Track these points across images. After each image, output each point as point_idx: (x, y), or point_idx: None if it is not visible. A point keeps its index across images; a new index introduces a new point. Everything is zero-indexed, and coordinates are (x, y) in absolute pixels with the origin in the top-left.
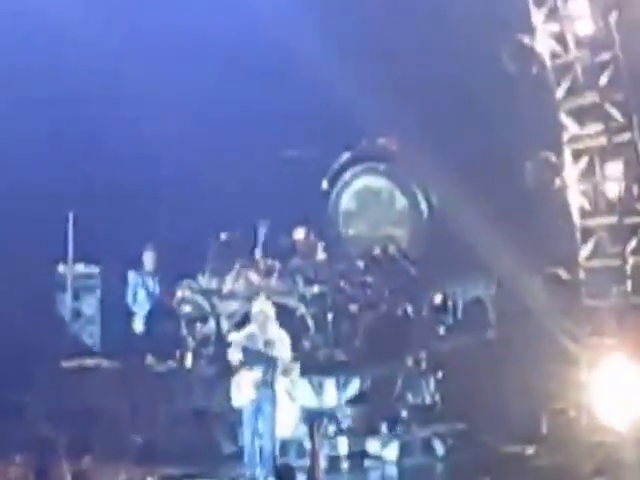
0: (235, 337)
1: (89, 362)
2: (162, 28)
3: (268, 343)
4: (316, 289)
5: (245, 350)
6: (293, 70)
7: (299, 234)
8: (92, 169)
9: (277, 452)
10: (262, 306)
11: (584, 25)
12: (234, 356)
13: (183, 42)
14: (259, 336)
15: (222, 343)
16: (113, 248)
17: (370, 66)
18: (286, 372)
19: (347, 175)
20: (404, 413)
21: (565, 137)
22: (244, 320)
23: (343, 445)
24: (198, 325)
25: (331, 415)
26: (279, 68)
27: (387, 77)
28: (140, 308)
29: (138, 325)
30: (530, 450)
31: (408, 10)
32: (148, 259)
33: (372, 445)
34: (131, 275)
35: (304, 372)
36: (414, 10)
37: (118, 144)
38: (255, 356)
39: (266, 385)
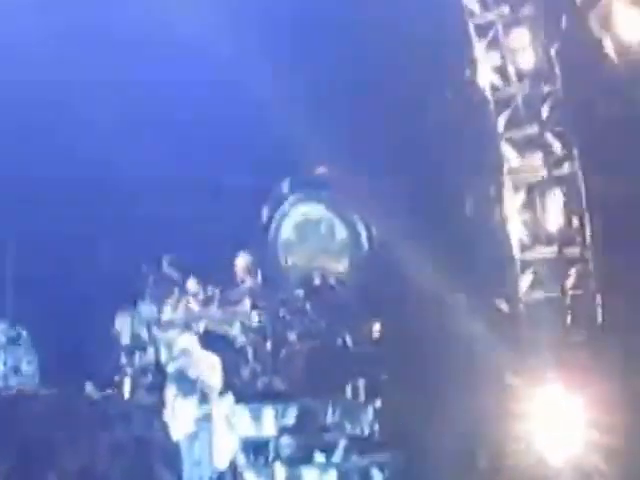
0: (169, 368)
1: (27, 389)
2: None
3: (201, 374)
4: (255, 318)
5: (179, 381)
6: (232, 99)
7: (240, 262)
8: (29, 190)
9: None
10: (186, 342)
11: (525, 57)
12: (170, 387)
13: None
14: (191, 368)
15: (161, 372)
16: None
17: (312, 98)
18: (220, 401)
19: (287, 205)
20: (342, 442)
21: (505, 168)
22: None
23: (281, 474)
24: (137, 354)
25: (269, 444)
26: (219, 99)
27: (328, 109)
28: None
29: None
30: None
31: (350, 44)
32: None
33: (310, 474)
34: None
35: (243, 401)
36: (357, 44)
37: (55, 167)
38: (190, 387)
39: (202, 415)
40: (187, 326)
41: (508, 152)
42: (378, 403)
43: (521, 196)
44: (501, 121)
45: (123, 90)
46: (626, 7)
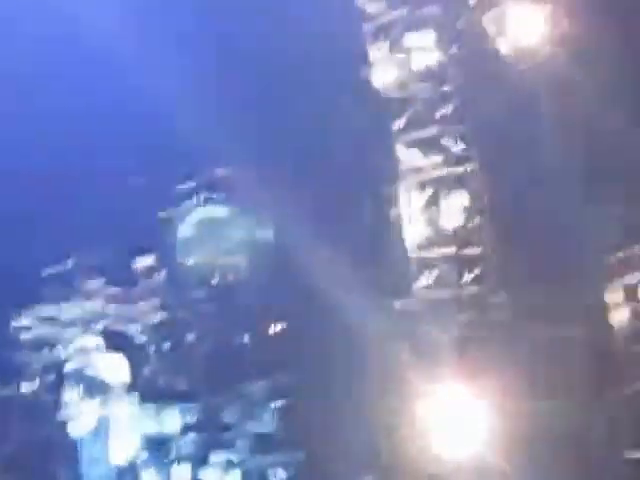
0: (70, 367)
1: None
2: None
3: (101, 373)
4: (156, 317)
5: (80, 380)
6: (138, 97)
7: (140, 262)
8: None
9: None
10: (87, 340)
11: (424, 58)
12: (70, 386)
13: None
14: (92, 367)
15: (62, 371)
16: None
17: (212, 100)
18: (121, 400)
19: (188, 204)
20: (244, 441)
21: (405, 169)
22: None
23: (182, 472)
24: (38, 353)
25: (171, 442)
26: (121, 98)
27: (227, 110)
28: None
29: None
30: (368, 478)
31: (247, 47)
32: None
33: (211, 473)
34: None
35: (144, 399)
36: (254, 46)
37: None
38: (90, 385)
39: (102, 413)
40: (88, 325)
41: (407, 152)
42: (279, 402)
43: (420, 196)
44: (400, 122)
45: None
46: (519, 9)
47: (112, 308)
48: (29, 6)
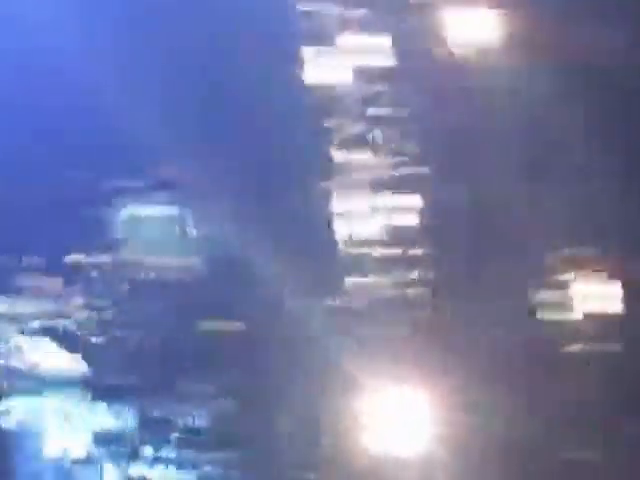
0: (3, 364)
1: None
2: None
3: (33, 368)
4: (87, 314)
5: (11, 376)
6: (77, 89)
7: (72, 258)
8: None
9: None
10: (17, 336)
11: (360, 56)
12: (4, 382)
13: None
14: (24, 362)
15: None
16: None
17: (153, 93)
18: (56, 395)
19: (121, 202)
20: (173, 436)
21: (342, 168)
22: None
23: (112, 468)
24: None
25: (102, 438)
26: (65, 88)
27: (166, 105)
28: None
29: None
30: (310, 476)
31: (186, 44)
32: None
33: (141, 469)
34: None
35: (76, 395)
36: (193, 43)
37: None
38: (21, 381)
39: (35, 408)
40: (19, 320)
41: (339, 152)
42: (218, 400)
43: (355, 195)
44: (332, 119)
45: None
46: (460, 7)
47: (46, 305)
48: None
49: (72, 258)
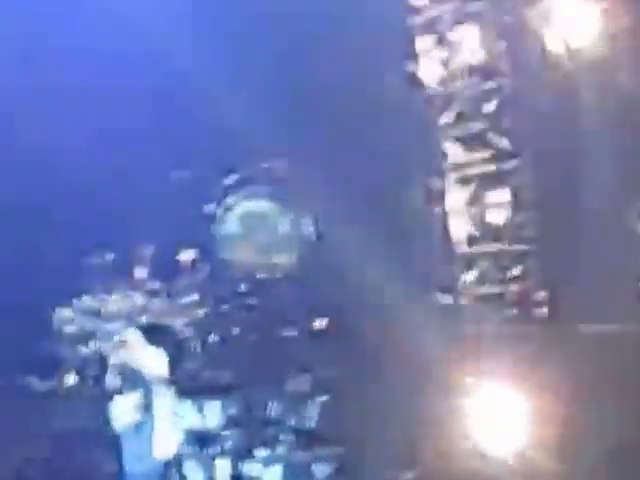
0: (112, 360)
1: None
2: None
3: (144, 366)
4: (200, 311)
5: (122, 374)
6: (182, 90)
7: (184, 256)
8: None
9: (158, 474)
10: (129, 334)
11: (472, 53)
12: (112, 379)
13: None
14: (134, 361)
15: (104, 365)
16: None
17: (263, 92)
18: (163, 394)
19: (232, 198)
20: (286, 436)
21: (449, 164)
22: (123, 344)
23: (224, 467)
24: (79, 346)
25: (213, 437)
26: (167, 88)
27: (277, 102)
28: None
29: None
30: (409, 475)
31: (291, 35)
32: None
33: (253, 468)
34: None
35: (186, 393)
36: (298, 36)
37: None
38: (132, 380)
39: (145, 407)
40: (131, 318)
41: (452, 147)
42: (322, 398)
43: (464, 191)
44: (445, 116)
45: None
46: (567, 4)
47: (155, 302)
48: None
49: (183, 256)
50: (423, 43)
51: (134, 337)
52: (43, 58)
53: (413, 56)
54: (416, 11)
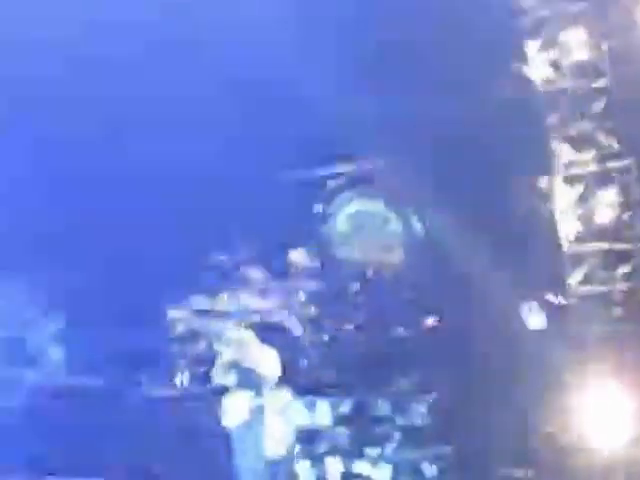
0: (224, 359)
1: (79, 381)
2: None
3: (255, 365)
4: (311, 310)
5: (234, 372)
6: (290, 95)
7: (295, 255)
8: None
9: (269, 471)
10: (241, 333)
11: (579, 53)
12: (224, 377)
13: (181, 60)
14: (246, 359)
15: (214, 363)
16: None
17: (369, 93)
18: (274, 392)
19: (341, 197)
20: (395, 435)
21: (557, 164)
22: (235, 343)
23: (334, 466)
24: (191, 344)
25: (323, 436)
26: (277, 89)
27: (383, 101)
28: None
29: None
30: (520, 473)
31: (404, 37)
32: None
33: (362, 466)
34: None
35: (297, 392)
36: (410, 37)
37: (106, 161)
38: (244, 378)
39: (256, 405)
40: (242, 317)
41: (560, 147)
42: (431, 396)
43: (573, 191)
44: (553, 116)
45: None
46: None
47: (267, 300)
48: None
49: (293, 256)
50: (531, 44)
51: (246, 336)
52: (162, 66)
53: (522, 57)
54: (524, 12)
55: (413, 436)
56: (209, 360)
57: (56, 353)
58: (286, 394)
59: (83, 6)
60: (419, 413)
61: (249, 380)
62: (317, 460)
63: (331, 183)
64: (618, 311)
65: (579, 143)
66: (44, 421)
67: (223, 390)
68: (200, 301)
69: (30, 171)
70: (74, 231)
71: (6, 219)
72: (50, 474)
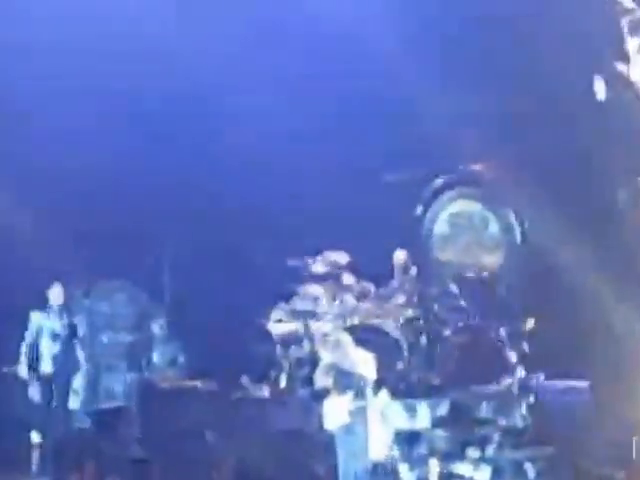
0: (323, 361)
1: (185, 383)
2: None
3: (355, 367)
4: (410, 312)
5: (334, 374)
6: (393, 94)
7: (396, 257)
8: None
9: (371, 474)
10: (341, 335)
11: None
12: (324, 379)
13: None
14: (346, 361)
15: (316, 365)
16: None
17: (470, 93)
18: (374, 394)
19: (441, 200)
20: (495, 436)
21: None
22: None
23: (435, 467)
24: (292, 347)
25: (423, 438)
26: (379, 92)
27: (485, 104)
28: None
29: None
30: (620, 474)
31: (504, 39)
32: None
33: (463, 468)
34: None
35: (397, 394)
36: (509, 39)
37: (204, 160)
38: (344, 380)
39: (357, 407)
40: (342, 320)
41: None
42: (532, 398)
43: None
44: None
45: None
46: None
47: (366, 303)
48: None
49: (394, 257)
50: (633, 43)
51: (345, 339)
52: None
53: (623, 56)
54: (626, 12)
55: (514, 437)
56: (310, 362)
57: (161, 356)
58: (385, 396)
59: None
60: (520, 414)
61: (349, 382)
62: (417, 462)
63: (431, 185)
64: None
65: None
66: (152, 422)
67: (324, 392)
68: (300, 303)
69: (131, 174)
70: (175, 235)
71: (110, 222)
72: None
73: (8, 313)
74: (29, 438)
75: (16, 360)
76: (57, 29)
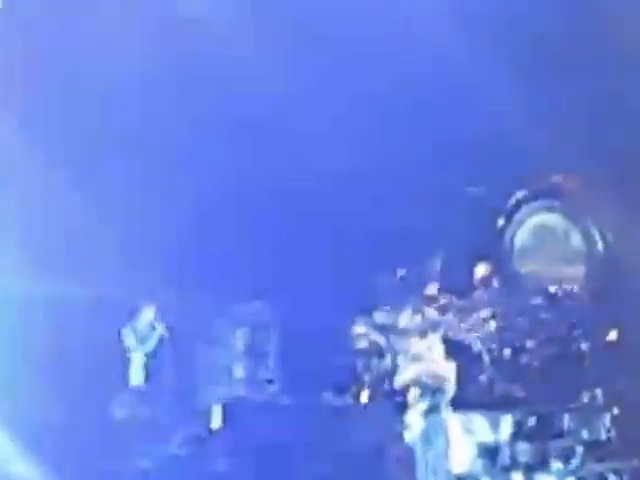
0: (405, 375)
1: (270, 398)
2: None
3: (438, 380)
4: (493, 325)
5: (416, 388)
6: (472, 105)
7: (478, 270)
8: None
9: None
10: (423, 349)
11: None
12: (405, 392)
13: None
14: (428, 375)
15: (397, 379)
16: None
17: (550, 104)
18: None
19: (522, 212)
20: (579, 449)
21: None
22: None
23: None
24: (374, 360)
25: (505, 450)
26: (460, 106)
27: (566, 114)
28: None
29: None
30: None
31: (588, 48)
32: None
33: None
34: None
35: (479, 407)
36: (593, 47)
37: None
38: (426, 393)
39: (438, 420)
40: (424, 333)
41: None
42: (615, 410)
43: None
44: None
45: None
46: None
47: (449, 316)
48: None
49: (476, 270)
50: None
51: (427, 352)
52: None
53: None
54: None
55: (597, 450)
56: (392, 376)
57: (242, 370)
58: (467, 409)
59: None
60: (603, 426)
61: (431, 396)
62: (499, 476)
63: (513, 197)
64: None
65: None
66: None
67: (405, 405)
68: (381, 317)
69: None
70: (257, 251)
71: (193, 236)
72: None
73: None
74: None
75: None
76: None
